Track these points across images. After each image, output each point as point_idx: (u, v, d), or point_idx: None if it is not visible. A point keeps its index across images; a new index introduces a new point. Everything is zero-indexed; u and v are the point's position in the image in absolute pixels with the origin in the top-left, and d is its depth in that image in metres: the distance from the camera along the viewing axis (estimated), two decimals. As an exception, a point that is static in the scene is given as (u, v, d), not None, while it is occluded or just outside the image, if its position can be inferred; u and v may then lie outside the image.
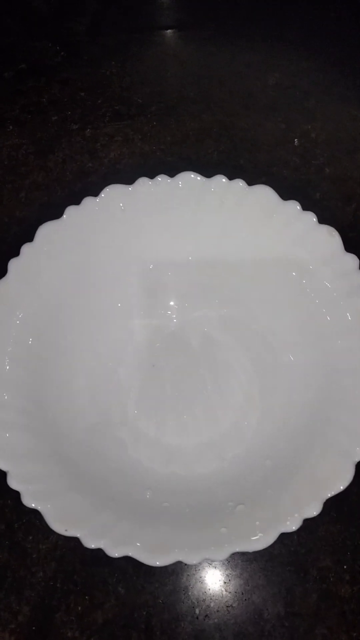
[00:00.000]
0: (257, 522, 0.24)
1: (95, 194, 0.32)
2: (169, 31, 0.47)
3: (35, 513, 0.32)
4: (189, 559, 0.23)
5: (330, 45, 0.45)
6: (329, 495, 0.25)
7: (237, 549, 0.23)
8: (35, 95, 0.44)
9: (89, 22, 0.47)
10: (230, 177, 0.31)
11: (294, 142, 0.41)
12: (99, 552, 0.31)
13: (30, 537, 0.31)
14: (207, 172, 0.32)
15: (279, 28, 0.46)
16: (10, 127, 0.43)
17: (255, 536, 0.24)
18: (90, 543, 0.24)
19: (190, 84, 0.44)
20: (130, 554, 0.24)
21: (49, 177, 0.41)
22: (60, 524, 0.24)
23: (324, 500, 0.25)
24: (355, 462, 0.25)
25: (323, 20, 0.46)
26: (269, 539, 0.23)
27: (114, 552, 0.24)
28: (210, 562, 0.30)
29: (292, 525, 0.24)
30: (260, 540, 0.23)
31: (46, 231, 0.30)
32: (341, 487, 0.25)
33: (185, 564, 0.30)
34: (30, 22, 0.48)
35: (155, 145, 0.42)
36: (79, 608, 0.30)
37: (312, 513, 0.24)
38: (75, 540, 0.31)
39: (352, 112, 0.42)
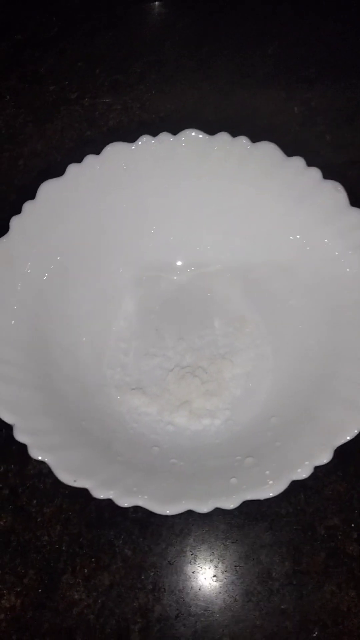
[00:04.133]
0: (267, 472, 0.24)
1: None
2: (166, 1, 0.46)
3: (39, 477, 0.31)
4: (199, 507, 0.23)
5: (329, 16, 0.44)
6: (339, 443, 0.24)
7: (249, 497, 0.23)
8: (32, 65, 0.44)
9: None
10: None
11: (294, 109, 0.41)
12: (104, 514, 0.31)
13: (35, 501, 0.31)
14: (209, 136, 0.32)
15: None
16: (7, 96, 0.43)
17: (266, 484, 0.23)
18: (100, 493, 0.23)
19: (188, 54, 0.44)
20: (140, 504, 0.23)
21: (47, 145, 0.40)
22: (68, 474, 0.23)
23: (334, 449, 0.24)
24: (364, 412, 0.25)
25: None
26: (280, 487, 0.23)
27: (124, 502, 0.23)
28: (224, 518, 0.30)
29: (303, 473, 0.24)
30: (272, 487, 0.23)
31: (48, 189, 0.30)
32: (348, 437, 0.25)
33: (192, 524, 0.30)
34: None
35: (154, 113, 0.41)
36: (85, 570, 0.30)
37: (322, 461, 0.24)
38: (81, 503, 0.31)
39: (352, 80, 0.42)
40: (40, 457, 0.24)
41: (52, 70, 0.43)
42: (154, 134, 0.32)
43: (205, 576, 0.29)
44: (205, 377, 0.32)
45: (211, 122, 0.40)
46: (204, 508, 0.23)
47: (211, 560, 0.30)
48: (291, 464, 0.24)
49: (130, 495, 0.23)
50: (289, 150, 0.32)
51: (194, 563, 0.30)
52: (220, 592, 0.29)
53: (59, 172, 0.32)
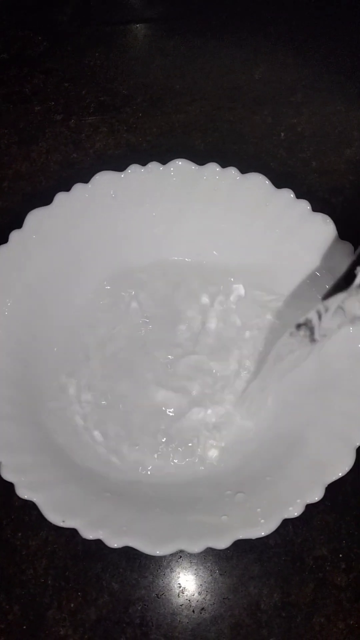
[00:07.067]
0: (259, 509, 0.24)
1: (83, 182, 0.31)
2: (153, 23, 0.46)
3: (24, 509, 0.31)
4: (191, 547, 0.23)
5: (315, 42, 0.45)
6: (331, 480, 0.24)
7: (240, 536, 0.23)
8: (17, 84, 0.43)
9: (72, 12, 0.47)
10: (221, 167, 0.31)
11: (281, 135, 0.41)
12: (91, 547, 0.30)
13: (20, 534, 0.30)
14: (196, 162, 0.31)
15: (265, 23, 0.46)
16: (-8, 116, 0.42)
17: (257, 523, 0.23)
18: (89, 534, 0.23)
19: (175, 76, 0.44)
20: (130, 544, 0.23)
21: (32, 167, 0.40)
22: (57, 515, 0.23)
23: (326, 486, 0.24)
24: (356, 447, 0.25)
25: (308, 17, 0.46)
26: (272, 525, 0.23)
27: (114, 543, 0.23)
28: (212, 550, 0.29)
29: (295, 511, 0.24)
30: (263, 526, 0.23)
31: (35, 217, 0.29)
32: (340, 474, 0.25)
33: (180, 557, 0.30)
34: (11, 11, 0.47)
35: (141, 136, 0.41)
36: (72, 605, 0.29)
37: (314, 498, 0.24)
38: (67, 536, 0.30)
39: (337, 106, 0.42)
40: (27, 497, 0.23)
41: (38, 90, 0.43)
42: (141, 157, 0.32)
43: (194, 609, 0.29)
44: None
45: (198, 146, 0.40)
46: (195, 548, 0.23)
47: (199, 593, 0.29)
48: (283, 502, 0.24)
49: (120, 536, 0.23)
50: (275, 175, 0.32)
51: (182, 596, 0.29)
52: (208, 625, 0.29)
53: (44, 195, 0.32)
